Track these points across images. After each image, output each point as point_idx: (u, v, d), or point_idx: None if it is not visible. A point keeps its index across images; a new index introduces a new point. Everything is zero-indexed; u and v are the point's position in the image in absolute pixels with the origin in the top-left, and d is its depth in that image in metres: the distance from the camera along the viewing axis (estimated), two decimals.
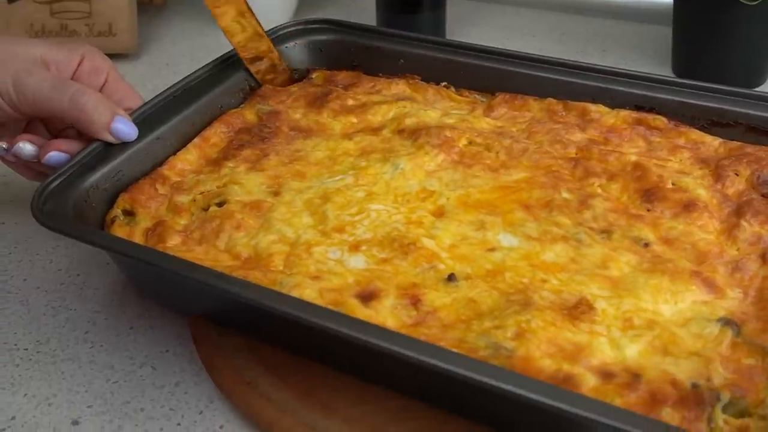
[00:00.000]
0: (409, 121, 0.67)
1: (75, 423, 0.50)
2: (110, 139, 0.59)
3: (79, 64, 0.61)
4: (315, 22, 0.77)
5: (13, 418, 0.51)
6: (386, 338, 0.41)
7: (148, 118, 0.63)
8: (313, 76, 0.77)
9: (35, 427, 0.50)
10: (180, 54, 1.00)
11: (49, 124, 0.63)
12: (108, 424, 0.50)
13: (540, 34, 1.01)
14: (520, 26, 1.04)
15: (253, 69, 0.73)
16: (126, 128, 0.59)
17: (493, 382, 0.38)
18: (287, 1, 1.04)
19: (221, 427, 0.50)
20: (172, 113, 0.65)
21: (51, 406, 0.52)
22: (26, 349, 0.56)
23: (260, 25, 0.72)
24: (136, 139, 0.61)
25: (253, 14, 0.72)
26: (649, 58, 0.92)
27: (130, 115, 0.61)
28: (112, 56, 0.94)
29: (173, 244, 0.55)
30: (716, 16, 0.78)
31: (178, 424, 0.50)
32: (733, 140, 0.63)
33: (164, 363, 0.54)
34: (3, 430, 0.50)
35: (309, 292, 0.49)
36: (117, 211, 0.58)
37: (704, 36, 0.80)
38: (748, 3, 0.74)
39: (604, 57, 0.93)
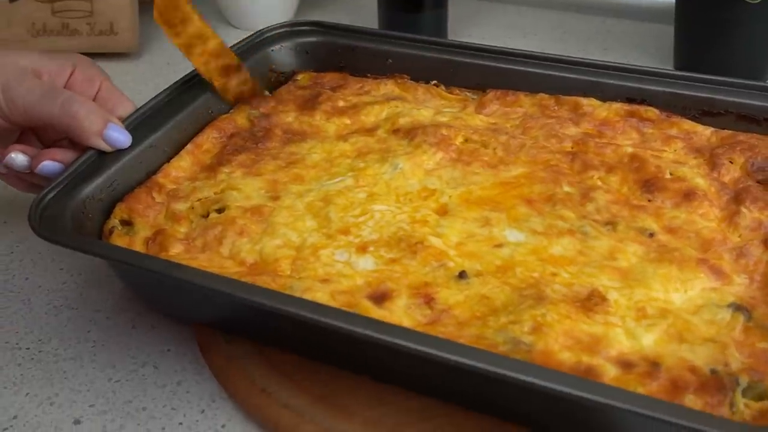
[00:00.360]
0: (403, 121, 0.67)
1: (77, 422, 0.50)
2: (103, 146, 0.58)
3: (71, 75, 0.59)
4: (301, 24, 0.77)
5: (15, 417, 0.51)
6: (415, 339, 0.41)
7: (139, 126, 0.62)
8: (299, 77, 0.76)
9: (37, 427, 0.50)
10: (181, 53, 0.98)
11: (41, 136, 0.62)
12: (110, 423, 0.50)
13: (542, 33, 1.02)
14: (522, 25, 1.05)
15: (222, 86, 0.69)
16: (119, 135, 0.58)
17: (535, 381, 0.38)
18: (288, 1, 1.04)
19: (223, 426, 0.49)
20: (163, 120, 0.64)
21: (53, 405, 0.51)
22: (28, 349, 0.56)
23: (220, 39, 0.68)
24: (129, 148, 0.60)
25: (208, 28, 0.67)
26: (650, 56, 0.93)
27: (122, 122, 0.60)
28: (114, 55, 0.95)
29: (176, 252, 0.54)
30: (719, 15, 0.79)
31: (180, 423, 0.50)
32: (724, 129, 0.64)
33: (166, 362, 0.54)
34: (5, 430, 0.50)
35: (320, 296, 0.49)
36: (114, 221, 0.57)
37: (706, 34, 0.81)
38: (751, 1, 0.75)
39: (605, 55, 0.94)
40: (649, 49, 0.95)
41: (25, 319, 0.58)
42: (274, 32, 0.76)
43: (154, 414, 0.50)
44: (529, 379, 0.38)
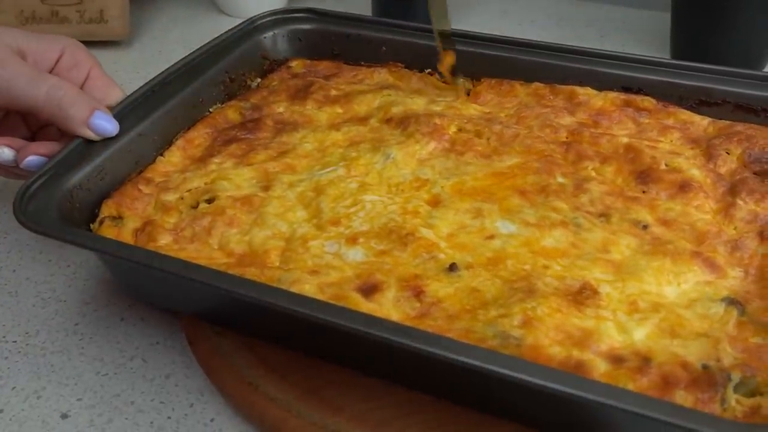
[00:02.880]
0: (396, 110, 0.66)
1: (64, 416, 0.50)
2: (90, 135, 0.57)
3: (59, 59, 0.58)
4: (295, 11, 0.76)
5: (2, 411, 0.50)
6: (402, 334, 0.41)
7: (128, 114, 0.61)
8: (293, 64, 0.75)
9: (24, 421, 0.50)
10: (172, 41, 0.98)
11: (28, 119, 0.61)
12: (98, 417, 0.50)
13: (538, 20, 1.01)
14: (518, 12, 1.03)
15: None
16: (106, 124, 0.57)
17: (522, 377, 0.38)
18: None
19: (212, 420, 0.49)
20: (153, 108, 0.63)
21: (40, 399, 0.51)
22: (15, 342, 0.55)
23: None
24: (117, 137, 0.59)
25: None
26: (647, 43, 0.92)
27: (111, 110, 0.59)
28: (104, 43, 0.94)
29: (164, 243, 0.54)
30: (716, 2, 0.78)
31: (169, 417, 0.49)
32: (721, 119, 0.63)
33: (155, 355, 0.54)
34: None
35: (309, 288, 0.48)
36: (103, 215, 0.56)
37: (703, 22, 0.79)
38: None
39: (602, 43, 0.93)
40: (646, 37, 0.94)
41: (12, 312, 0.58)
42: (266, 19, 0.75)
43: (143, 408, 0.50)
44: (516, 375, 0.38)
